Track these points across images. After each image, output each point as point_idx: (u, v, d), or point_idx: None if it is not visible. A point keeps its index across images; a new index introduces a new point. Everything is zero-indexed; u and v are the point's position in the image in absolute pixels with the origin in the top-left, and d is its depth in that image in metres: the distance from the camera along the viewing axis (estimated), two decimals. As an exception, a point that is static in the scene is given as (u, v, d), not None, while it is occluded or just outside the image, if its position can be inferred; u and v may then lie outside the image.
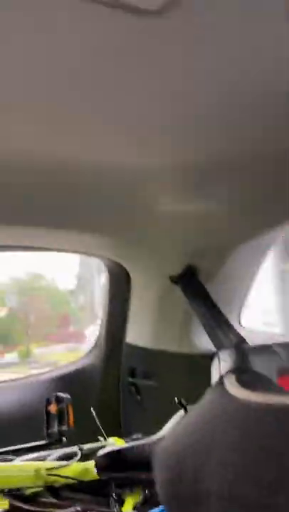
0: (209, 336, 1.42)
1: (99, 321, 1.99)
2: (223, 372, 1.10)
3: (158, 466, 0.47)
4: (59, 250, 1.70)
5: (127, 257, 1.69)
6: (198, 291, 1.53)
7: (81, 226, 1.45)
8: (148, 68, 0.86)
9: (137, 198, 1.34)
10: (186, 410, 1.06)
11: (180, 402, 1.07)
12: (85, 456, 1.27)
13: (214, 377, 1.19)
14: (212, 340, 1.39)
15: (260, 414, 0.49)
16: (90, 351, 1.94)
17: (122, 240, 1.57)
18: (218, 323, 1.42)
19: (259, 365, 1.25)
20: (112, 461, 1.17)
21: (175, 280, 1.60)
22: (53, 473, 1.17)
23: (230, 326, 1.42)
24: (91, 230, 1.48)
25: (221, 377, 0.80)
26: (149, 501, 1.29)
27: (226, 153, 1.11)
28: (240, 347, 1.32)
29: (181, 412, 1.11)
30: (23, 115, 0.98)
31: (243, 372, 0.85)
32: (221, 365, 1.22)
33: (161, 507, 1.14)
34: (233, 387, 0.66)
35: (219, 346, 1.35)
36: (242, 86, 0.88)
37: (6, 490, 1.16)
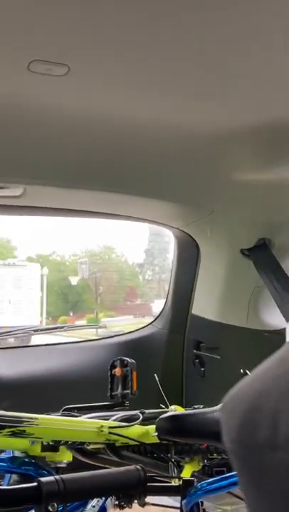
0: (280, 309, 1.37)
1: (164, 295, 1.98)
2: None
3: (228, 410, 0.45)
4: (132, 218, 1.71)
5: (198, 227, 1.66)
6: (271, 264, 1.47)
7: (155, 193, 1.44)
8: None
9: (214, 166, 1.30)
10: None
11: (245, 373, 1.04)
12: (147, 420, 1.29)
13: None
14: (283, 314, 1.34)
15: None
16: (156, 320, 1.95)
17: (195, 209, 1.54)
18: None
19: None
20: (174, 426, 1.17)
21: (247, 253, 1.55)
22: (114, 431, 1.20)
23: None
24: (165, 197, 1.46)
25: None
26: (208, 471, 1.28)
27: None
28: None
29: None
30: (105, 79, 0.98)
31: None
32: None
33: (227, 474, 1.13)
34: None
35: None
36: None
37: (70, 442, 1.21)
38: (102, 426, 1.21)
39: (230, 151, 1.24)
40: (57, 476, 0.86)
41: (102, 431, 1.20)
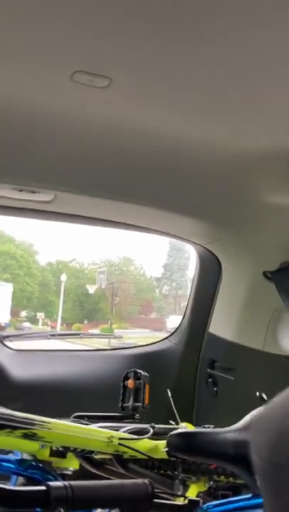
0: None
1: (180, 311, 1.98)
2: None
3: (258, 429, 0.45)
4: (158, 232, 1.72)
5: (222, 246, 1.66)
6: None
7: (182, 209, 1.45)
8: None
9: (241, 186, 1.31)
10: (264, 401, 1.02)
11: (261, 397, 1.03)
12: (156, 435, 1.28)
13: None
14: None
15: None
16: (172, 335, 1.95)
17: (221, 228, 1.54)
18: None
19: None
20: (185, 443, 1.16)
21: (269, 276, 1.54)
22: (124, 443, 1.20)
23: None
24: (191, 214, 1.47)
25: None
26: (213, 493, 1.27)
27: None
28: None
29: (261, 407, 1.07)
30: (144, 95, 1.01)
31: None
32: None
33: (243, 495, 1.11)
34: None
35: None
36: None
37: (79, 450, 1.21)
38: (112, 436, 1.20)
39: (258, 173, 1.24)
40: (66, 482, 0.86)
41: (111, 441, 1.20)
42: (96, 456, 1.27)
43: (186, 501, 1.17)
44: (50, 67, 0.95)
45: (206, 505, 1.13)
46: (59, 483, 0.85)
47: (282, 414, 0.44)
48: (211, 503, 1.14)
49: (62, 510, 0.80)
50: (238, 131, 1.12)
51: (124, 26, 0.82)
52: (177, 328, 1.94)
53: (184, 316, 1.91)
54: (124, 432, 1.30)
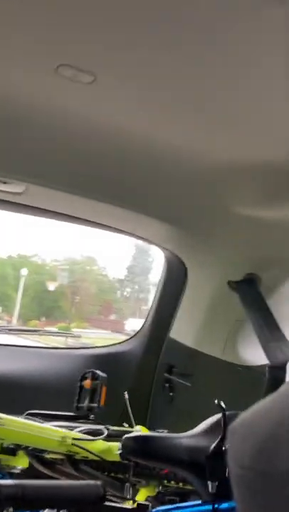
0: (263, 347, 1.37)
1: (140, 315, 1.98)
2: None
3: (240, 436, 0.45)
4: (127, 233, 1.72)
5: (190, 252, 1.68)
6: (257, 300, 1.49)
7: (153, 212, 1.45)
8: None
9: (214, 196, 1.32)
10: (224, 413, 1.03)
11: (220, 405, 1.05)
12: (110, 437, 1.27)
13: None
14: (265, 352, 1.35)
15: None
16: (132, 338, 1.94)
17: (190, 234, 1.55)
18: (275, 336, 1.37)
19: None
20: (141, 446, 1.16)
21: (234, 286, 1.56)
22: (77, 444, 1.18)
23: (286, 342, 1.37)
24: (162, 217, 1.48)
25: None
26: (161, 498, 1.27)
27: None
28: None
29: (218, 415, 1.09)
30: (127, 95, 1.00)
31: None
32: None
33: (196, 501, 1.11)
34: None
35: (273, 359, 1.30)
36: None
37: (31, 448, 1.18)
38: (65, 436, 1.19)
39: (230, 184, 1.26)
40: (17, 481, 0.84)
41: (65, 441, 1.18)
42: (47, 456, 1.25)
43: (135, 505, 1.17)
44: (36, 59, 0.93)
45: (155, 509, 1.13)
46: (10, 482, 0.83)
47: (267, 420, 0.44)
48: (160, 508, 1.14)
49: (11, 509, 0.78)
50: (215, 142, 1.13)
51: (111, 23, 0.82)
52: (138, 331, 1.94)
53: (145, 320, 1.91)
54: (78, 432, 1.29)
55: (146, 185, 1.36)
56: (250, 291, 1.51)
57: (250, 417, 0.46)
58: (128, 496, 1.23)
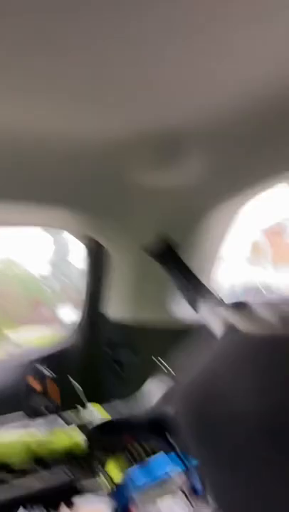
0: (189, 303, 1.45)
1: (72, 304, 1.99)
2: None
3: (185, 391, 0.49)
4: (33, 225, 1.70)
5: (101, 231, 1.70)
6: (174, 260, 1.55)
7: (52, 200, 1.44)
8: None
9: (106, 171, 1.32)
10: (167, 370, 1.10)
11: (161, 363, 1.11)
12: (68, 424, 1.29)
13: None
14: (192, 307, 1.42)
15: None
16: (72, 327, 1.95)
17: (95, 214, 1.56)
18: (197, 289, 1.45)
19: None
20: (105, 430, 1.20)
21: (150, 252, 1.61)
22: (43, 447, 1.19)
23: (208, 291, 1.45)
24: (63, 204, 1.47)
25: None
26: (132, 460, 1.32)
27: (198, 121, 1.10)
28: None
29: (155, 378, 1.16)
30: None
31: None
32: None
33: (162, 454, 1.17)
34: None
35: (199, 312, 1.38)
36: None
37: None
38: (28, 443, 1.19)
39: (127, 158, 1.27)
40: None
41: (29, 449, 1.18)
42: (15, 468, 1.24)
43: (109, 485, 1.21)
44: None
45: (126, 476, 1.17)
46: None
47: (208, 375, 0.49)
48: (133, 467, 1.18)
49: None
50: (99, 120, 1.11)
51: None
52: (77, 319, 1.94)
53: (82, 307, 1.92)
54: (37, 428, 1.29)
55: (41, 175, 1.33)
56: (165, 253, 1.58)
57: (191, 373, 0.51)
58: (101, 474, 1.26)
